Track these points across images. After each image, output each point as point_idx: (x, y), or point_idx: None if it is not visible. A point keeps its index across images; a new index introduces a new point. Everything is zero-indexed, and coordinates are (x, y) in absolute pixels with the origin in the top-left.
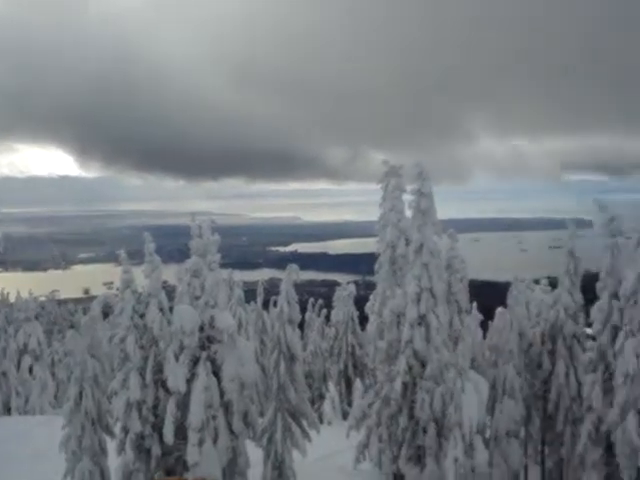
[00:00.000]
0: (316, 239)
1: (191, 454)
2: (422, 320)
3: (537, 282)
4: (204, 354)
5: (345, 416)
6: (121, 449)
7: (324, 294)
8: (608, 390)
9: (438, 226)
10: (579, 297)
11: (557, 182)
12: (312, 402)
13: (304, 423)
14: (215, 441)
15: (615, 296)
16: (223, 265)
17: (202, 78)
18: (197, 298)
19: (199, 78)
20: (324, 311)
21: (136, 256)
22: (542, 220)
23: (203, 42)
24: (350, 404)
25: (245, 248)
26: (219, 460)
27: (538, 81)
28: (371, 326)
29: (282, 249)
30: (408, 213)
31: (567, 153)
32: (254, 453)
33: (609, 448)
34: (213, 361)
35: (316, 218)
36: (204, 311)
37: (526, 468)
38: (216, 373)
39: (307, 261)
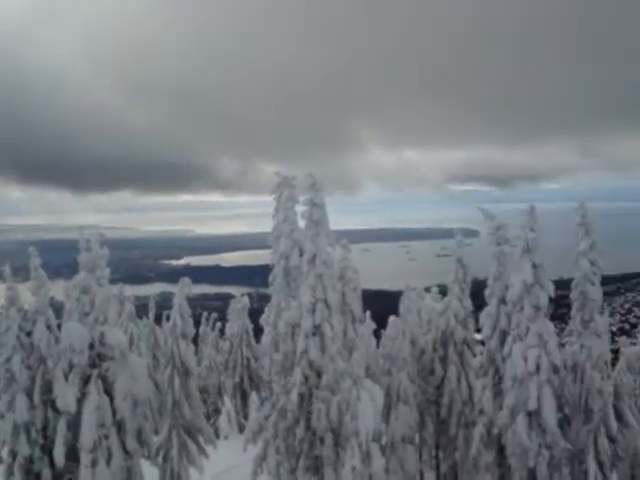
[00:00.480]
0: (209, 252)
1: (84, 476)
2: (317, 330)
3: (428, 290)
4: (95, 372)
5: (242, 430)
6: (9, 474)
7: (218, 307)
8: (498, 393)
9: (331, 236)
10: (468, 304)
11: (445, 193)
12: (207, 417)
13: (200, 439)
14: (108, 462)
15: (503, 302)
16: (113, 280)
17: (91, 86)
18: (86, 314)
19: (88, 86)
20: (218, 324)
21: (21, 272)
22: (430, 230)
23: (93, 50)
24: (246, 417)
25: (136, 262)
26: None
27: (426, 94)
28: (266, 338)
29: (174, 262)
30: (301, 224)
31: (454, 164)
32: (149, 472)
33: (501, 450)
34: (104, 379)
35: (209, 230)
36: (94, 328)
37: (422, 473)
38: (108, 391)
39: (200, 274)
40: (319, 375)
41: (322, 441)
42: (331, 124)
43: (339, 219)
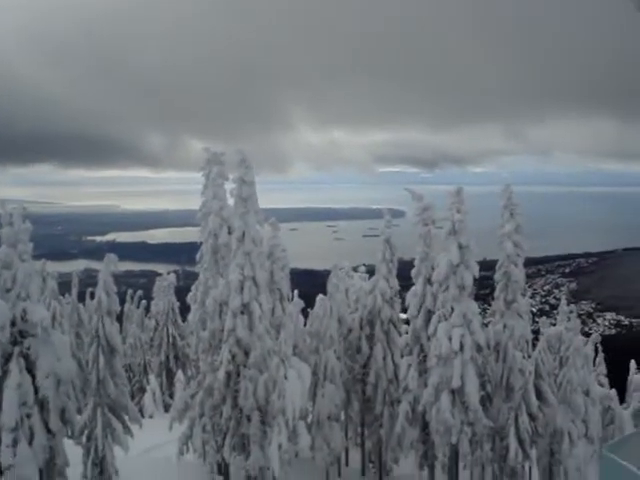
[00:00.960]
0: (135, 228)
1: (5, 456)
2: (245, 308)
3: (355, 270)
4: (16, 349)
5: (167, 409)
6: None
7: (143, 285)
8: (423, 371)
9: (260, 215)
10: (395, 283)
11: (372, 174)
12: (132, 396)
13: (125, 418)
14: (30, 441)
15: (429, 282)
16: (36, 256)
17: (15, 55)
18: (8, 291)
19: (11, 55)
20: (143, 302)
21: None
22: (357, 210)
23: (5, 14)
24: (172, 396)
25: (60, 238)
26: (35, 461)
27: (355, 75)
28: (193, 316)
29: (99, 238)
30: (230, 201)
31: (382, 146)
32: (73, 451)
33: (425, 427)
34: (26, 357)
35: (135, 207)
36: (15, 304)
37: (347, 450)
38: (30, 369)
39: (125, 251)
40: (246, 353)
41: (249, 419)
42: (261, 102)
43: (267, 197)
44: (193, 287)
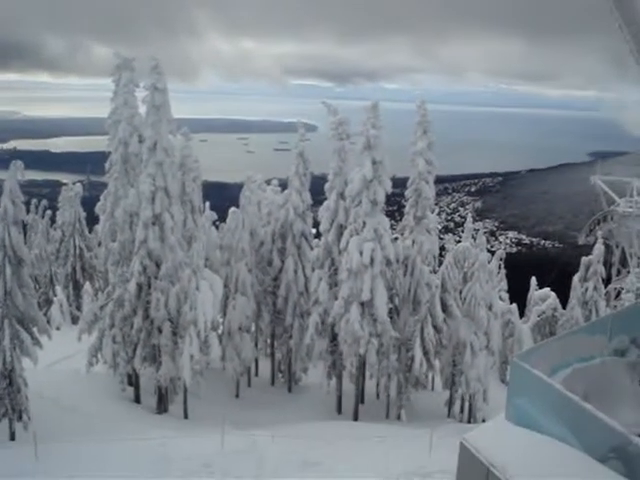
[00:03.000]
0: (37, 136)
1: None
2: (156, 220)
3: (268, 183)
4: None
5: (74, 320)
6: None
7: (47, 195)
8: (333, 285)
9: (172, 124)
10: (307, 197)
11: (282, 86)
12: (39, 307)
13: (34, 330)
14: None
15: (342, 197)
16: None
17: None
18: None
19: None
20: (48, 212)
21: None
22: (268, 123)
23: None
24: (79, 308)
25: None
26: None
27: None
28: (102, 227)
29: None
30: (141, 109)
31: (293, 58)
32: None
33: (334, 338)
34: None
35: (37, 113)
36: None
37: (257, 361)
38: None
39: (28, 159)
40: (158, 265)
41: (160, 330)
42: (165, 5)
43: (176, 107)
44: (102, 197)
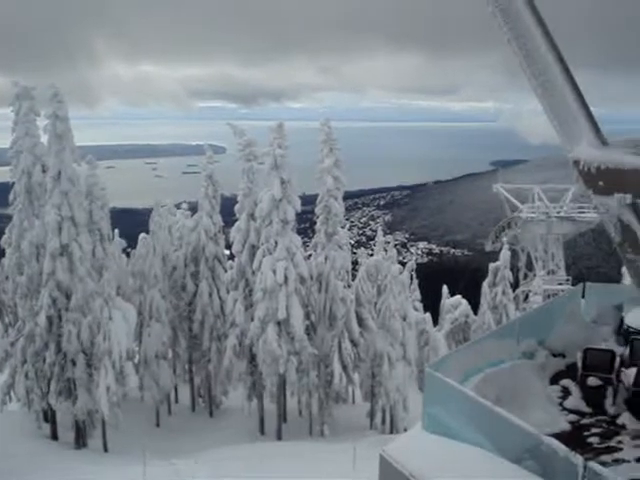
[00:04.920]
0: None
1: None
2: (64, 250)
3: (178, 207)
4: None
5: None
6: None
7: None
8: (249, 305)
9: (76, 152)
10: (218, 219)
11: (188, 108)
12: None
13: None
14: None
15: (252, 217)
16: None
17: None
18: None
19: None
20: None
21: None
22: (175, 146)
23: None
24: None
25: None
26: None
27: (161, 3)
28: (9, 261)
29: None
30: (43, 138)
31: (196, 80)
32: None
33: (252, 359)
34: None
35: None
36: None
37: (176, 387)
38: None
39: None
40: (68, 296)
41: (74, 363)
42: (62, 32)
43: (79, 135)
44: (7, 230)
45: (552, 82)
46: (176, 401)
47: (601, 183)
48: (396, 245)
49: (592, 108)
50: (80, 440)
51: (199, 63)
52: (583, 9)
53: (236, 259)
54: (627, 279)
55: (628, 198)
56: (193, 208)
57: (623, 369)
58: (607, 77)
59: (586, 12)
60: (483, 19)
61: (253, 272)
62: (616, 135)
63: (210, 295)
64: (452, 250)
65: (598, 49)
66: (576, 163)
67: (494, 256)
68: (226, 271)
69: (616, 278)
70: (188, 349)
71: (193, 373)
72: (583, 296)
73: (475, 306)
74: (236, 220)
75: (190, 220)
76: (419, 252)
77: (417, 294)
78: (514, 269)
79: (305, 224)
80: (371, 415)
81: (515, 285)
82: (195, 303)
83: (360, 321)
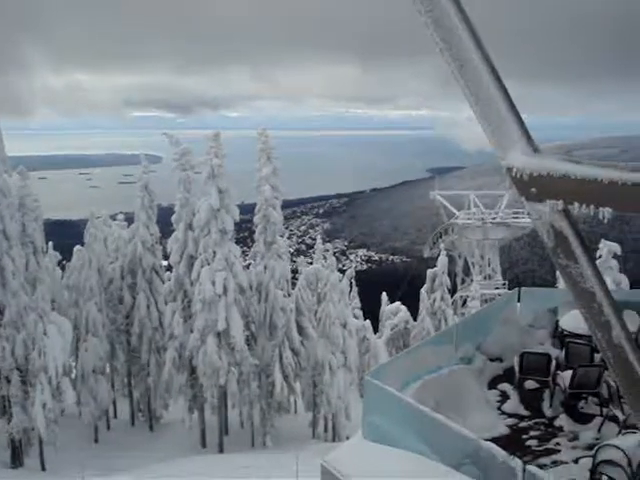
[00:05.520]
0: None
1: None
2: None
3: (113, 218)
4: None
5: None
6: None
7: None
8: (188, 317)
9: (7, 163)
10: (155, 230)
11: (123, 118)
12: None
13: None
14: None
15: (190, 227)
16: None
17: None
18: None
19: None
20: None
21: None
22: (111, 156)
23: None
24: None
25: None
26: None
27: (91, 11)
28: None
29: None
30: None
31: (130, 89)
32: None
33: (192, 372)
34: None
35: None
36: None
37: (115, 402)
38: None
39: None
40: (1, 312)
41: (8, 380)
42: None
43: (10, 145)
44: None
45: (485, 91)
46: (115, 416)
47: (533, 190)
48: (335, 253)
49: (523, 115)
50: (16, 459)
51: (134, 72)
52: (513, 21)
53: (174, 270)
54: (562, 283)
55: (560, 204)
56: (129, 219)
57: (559, 372)
58: (537, 86)
59: (516, 24)
60: (418, 29)
61: (191, 283)
62: (547, 142)
63: (148, 307)
64: (391, 257)
65: (529, 60)
66: (509, 170)
67: (432, 262)
68: (164, 282)
69: (551, 282)
70: (126, 363)
71: (132, 387)
72: (519, 300)
73: (415, 312)
74: (173, 230)
75: (126, 231)
76: (358, 259)
77: (357, 301)
78: (452, 275)
79: (244, 233)
80: (313, 424)
81: (453, 291)
82: (133, 316)
83: (300, 330)
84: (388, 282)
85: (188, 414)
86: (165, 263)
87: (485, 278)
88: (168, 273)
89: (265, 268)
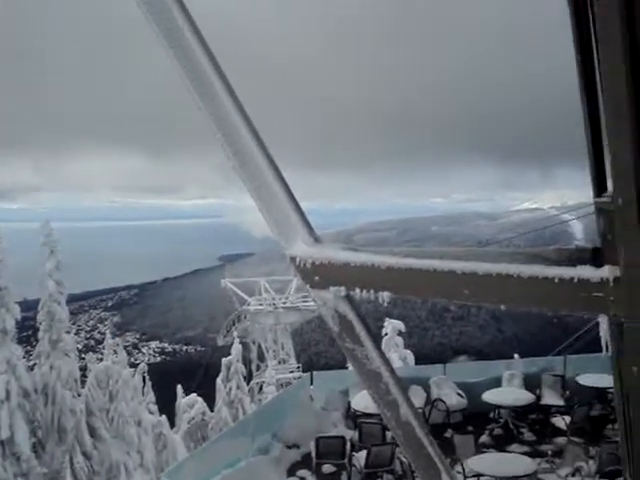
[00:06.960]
0: None
1: None
2: None
3: None
4: None
5: None
6: None
7: None
8: None
9: None
10: None
11: None
12: None
13: None
14: None
15: None
16: None
17: None
18: None
19: None
20: None
21: None
22: None
23: None
24: None
25: None
26: None
27: None
28: None
29: None
30: None
31: None
32: None
33: None
34: None
35: None
36: None
37: None
38: None
39: None
40: None
41: None
42: None
43: None
44: None
45: (266, 185)
46: None
47: (317, 278)
48: (127, 347)
49: (303, 203)
50: None
51: None
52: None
53: None
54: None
55: (342, 290)
56: None
57: (354, 453)
58: (316, 175)
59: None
60: (197, 116)
61: None
62: (329, 228)
63: None
64: (185, 347)
65: (306, 151)
66: (293, 259)
67: (227, 350)
68: None
69: (343, 361)
70: None
71: None
72: (312, 384)
73: (212, 402)
74: None
75: None
76: (151, 352)
77: (151, 396)
78: (247, 362)
79: (27, 332)
80: None
81: (249, 378)
82: None
83: (92, 431)
84: (183, 373)
85: None
86: None
87: (280, 363)
88: None
89: (51, 368)
